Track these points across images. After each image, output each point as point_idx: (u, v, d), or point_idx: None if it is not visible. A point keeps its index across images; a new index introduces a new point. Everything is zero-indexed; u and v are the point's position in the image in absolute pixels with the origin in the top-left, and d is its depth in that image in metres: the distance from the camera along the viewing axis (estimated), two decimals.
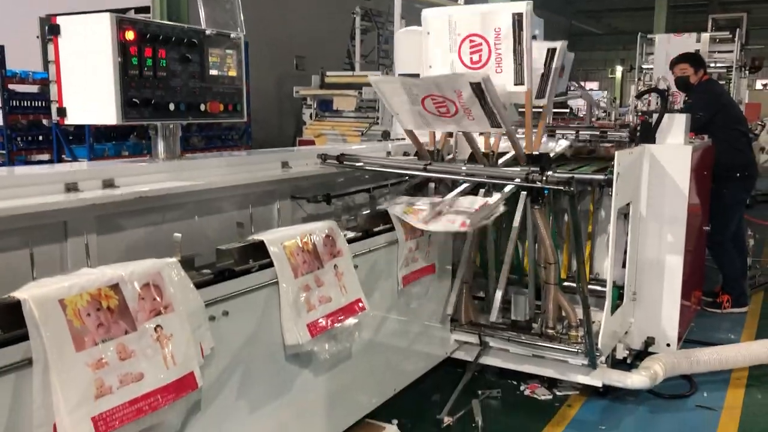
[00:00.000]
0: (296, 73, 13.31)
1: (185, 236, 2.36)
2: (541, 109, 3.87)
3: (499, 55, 3.61)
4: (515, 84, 3.59)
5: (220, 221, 3.11)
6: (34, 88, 10.72)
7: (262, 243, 2.63)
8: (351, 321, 2.91)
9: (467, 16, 3.71)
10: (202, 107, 2.95)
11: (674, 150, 4.28)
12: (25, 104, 10.25)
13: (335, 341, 2.86)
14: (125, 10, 12.85)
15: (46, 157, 10.39)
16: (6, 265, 2.24)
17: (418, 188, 4.02)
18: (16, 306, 1.79)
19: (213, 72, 3.00)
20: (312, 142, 10.54)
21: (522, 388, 4.09)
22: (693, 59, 5.93)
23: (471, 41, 3.69)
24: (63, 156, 9.63)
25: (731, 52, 11.06)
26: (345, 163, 3.61)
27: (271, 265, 2.61)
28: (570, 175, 3.14)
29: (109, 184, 2.57)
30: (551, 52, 3.84)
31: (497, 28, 3.57)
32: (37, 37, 14.08)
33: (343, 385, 3.10)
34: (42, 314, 1.81)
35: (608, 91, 23.37)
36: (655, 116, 4.44)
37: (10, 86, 10.01)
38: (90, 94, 2.62)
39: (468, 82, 3.16)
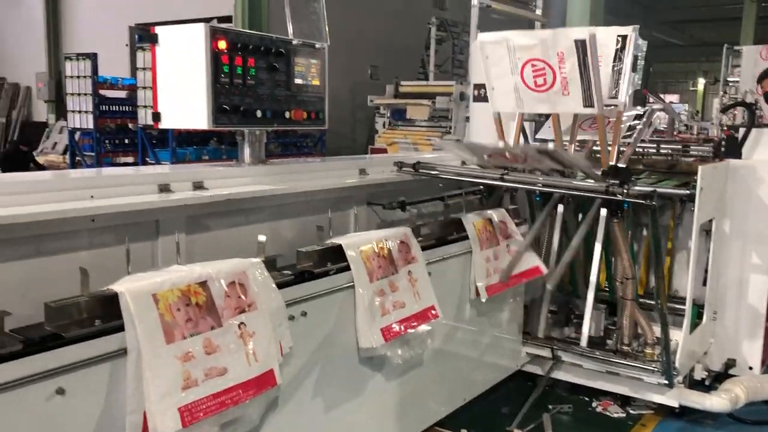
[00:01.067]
0: (370, 82, 13.49)
1: (267, 237, 2.45)
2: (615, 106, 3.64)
3: (564, 79, 3.45)
4: (584, 107, 3.45)
5: (299, 224, 3.20)
6: (122, 94, 11.28)
7: (339, 247, 2.70)
8: (424, 327, 2.95)
9: (526, 42, 3.55)
10: (287, 115, 3.05)
11: (762, 166, 4.12)
12: (114, 109, 10.82)
13: (408, 347, 2.90)
14: (209, 20, 13.38)
15: (130, 159, 10.91)
16: (104, 260, 2.37)
17: (492, 193, 4.02)
18: (114, 298, 1.91)
19: (298, 81, 3.10)
20: (384, 151, 10.65)
21: (594, 404, 4.01)
22: None
23: (533, 65, 3.53)
24: (147, 158, 10.08)
25: None
26: (421, 171, 3.64)
27: (347, 268, 2.68)
28: (652, 189, 3.08)
29: (199, 186, 2.69)
30: (622, 41, 3.51)
31: (560, 53, 3.40)
32: (126, 45, 14.78)
33: (414, 391, 3.13)
34: (137, 307, 1.91)
35: (689, 104, 22.57)
36: (742, 131, 4.29)
37: (101, 92, 10.57)
38: (183, 100, 2.76)
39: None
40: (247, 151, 3.09)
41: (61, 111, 16.65)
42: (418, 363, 3.09)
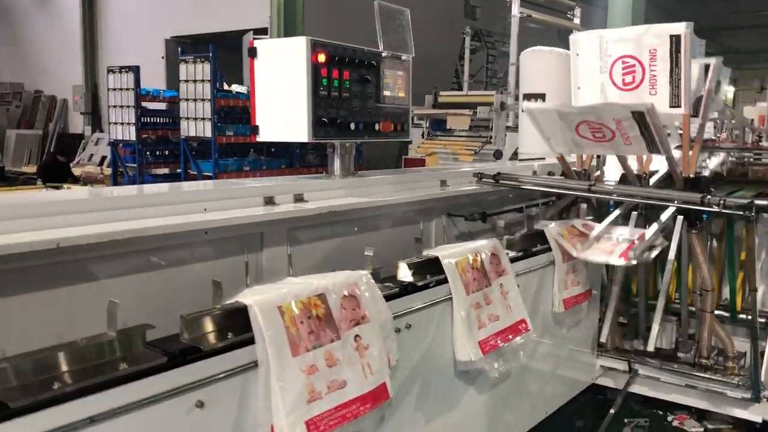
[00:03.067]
0: None
1: (357, 248, 2.44)
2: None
3: (653, 77, 3.50)
4: (671, 106, 3.47)
5: (383, 236, 3.20)
6: (162, 106, 11.38)
7: (436, 259, 2.69)
8: (517, 340, 2.92)
9: (619, 38, 3.62)
10: (376, 127, 3.05)
11: None
12: (155, 121, 10.91)
13: (502, 360, 2.87)
14: (243, 32, 13.49)
15: (167, 170, 10.99)
16: (214, 271, 2.37)
17: (567, 208, 3.99)
18: (242, 311, 1.91)
19: (386, 93, 3.10)
20: (421, 162, 10.63)
21: (669, 418, 3.94)
22: None
23: (624, 62, 3.59)
24: (189, 170, 10.14)
25: None
26: (501, 182, 3.62)
27: (444, 281, 2.66)
28: (749, 200, 3.03)
29: (299, 198, 2.69)
30: (706, 69, 3.66)
31: (652, 50, 3.47)
32: (162, 57, 14.97)
33: (502, 404, 3.10)
34: (265, 320, 1.91)
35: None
36: None
37: (143, 104, 10.68)
38: (282, 113, 2.76)
39: (630, 111, 3.10)
40: (337, 163, 3.10)
41: (96, 123, 16.91)
42: (507, 376, 3.06)
